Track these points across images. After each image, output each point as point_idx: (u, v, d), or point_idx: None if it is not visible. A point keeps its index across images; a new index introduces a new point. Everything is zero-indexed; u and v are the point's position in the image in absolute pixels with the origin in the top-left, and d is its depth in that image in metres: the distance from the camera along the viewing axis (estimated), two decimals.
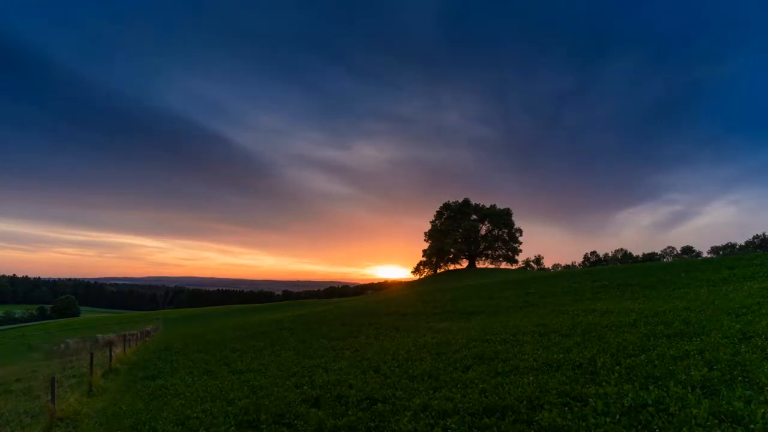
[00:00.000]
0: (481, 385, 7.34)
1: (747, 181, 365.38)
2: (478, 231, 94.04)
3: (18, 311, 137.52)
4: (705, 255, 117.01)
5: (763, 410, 4.59)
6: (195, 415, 8.00)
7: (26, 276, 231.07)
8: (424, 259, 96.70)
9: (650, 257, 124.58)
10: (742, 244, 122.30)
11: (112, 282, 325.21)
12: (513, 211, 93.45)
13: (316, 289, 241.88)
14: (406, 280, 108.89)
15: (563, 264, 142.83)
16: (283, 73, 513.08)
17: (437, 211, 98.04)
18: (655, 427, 4.77)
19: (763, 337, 7.49)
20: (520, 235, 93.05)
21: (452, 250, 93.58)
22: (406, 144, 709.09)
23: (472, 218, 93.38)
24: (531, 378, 7.28)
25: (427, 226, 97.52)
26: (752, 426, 4.40)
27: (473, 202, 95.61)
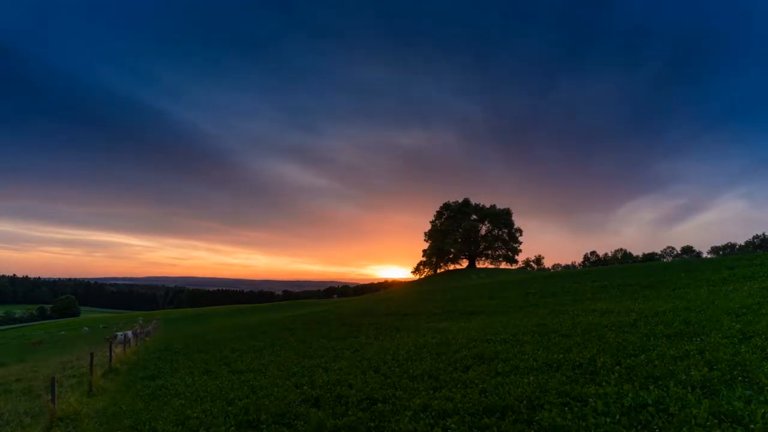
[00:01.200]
0: (481, 385, 7.34)
1: (760, 171, 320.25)
2: (478, 231, 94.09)
3: (18, 311, 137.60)
4: (705, 255, 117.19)
5: (763, 410, 4.59)
6: (195, 415, 7.99)
7: (26, 276, 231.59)
8: (424, 259, 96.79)
9: (650, 257, 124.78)
10: (743, 244, 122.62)
11: (112, 282, 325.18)
12: (504, 207, 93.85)
13: (316, 289, 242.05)
14: (406, 280, 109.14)
15: (563, 264, 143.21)
16: (231, 39, 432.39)
17: (437, 211, 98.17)
18: (655, 427, 4.77)
19: (763, 337, 7.49)
20: (520, 235, 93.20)
21: (452, 250, 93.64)
22: (378, 124, 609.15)
23: (472, 218, 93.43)
24: (531, 378, 7.28)
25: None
26: (752, 426, 4.40)
27: (473, 202, 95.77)
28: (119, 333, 25.84)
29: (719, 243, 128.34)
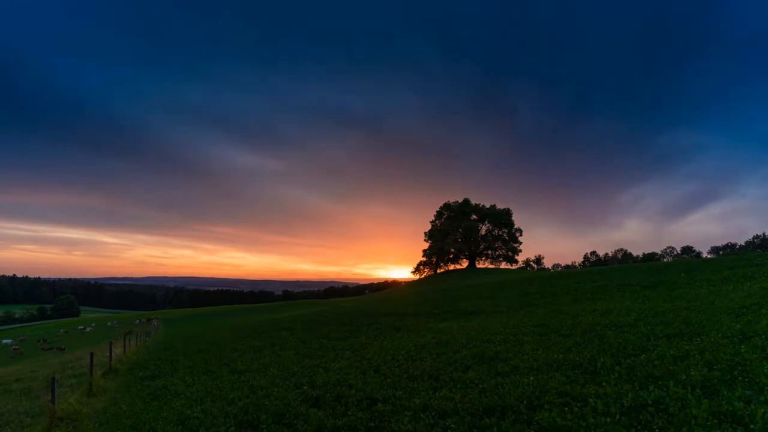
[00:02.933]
0: (481, 385, 7.33)
1: None
2: (478, 231, 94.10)
3: (18, 311, 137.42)
4: (705, 255, 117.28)
5: (763, 410, 4.59)
6: (195, 415, 7.99)
7: (26, 276, 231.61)
8: (424, 258, 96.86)
9: (650, 257, 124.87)
10: (743, 244, 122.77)
11: (112, 282, 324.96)
12: (504, 207, 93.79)
13: (316, 290, 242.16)
14: (407, 280, 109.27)
15: (563, 264, 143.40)
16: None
17: (437, 211, 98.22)
18: (655, 427, 4.77)
19: (763, 337, 7.48)
20: (520, 235, 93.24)
21: (452, 250, 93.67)
22: (322, 83, 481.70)
23: (471, 218, 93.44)
24: (531, 378, 7.27)
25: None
26: (752, 426, 4.40)
27: (473, 201, 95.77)
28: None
29: (721, 242, 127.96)
